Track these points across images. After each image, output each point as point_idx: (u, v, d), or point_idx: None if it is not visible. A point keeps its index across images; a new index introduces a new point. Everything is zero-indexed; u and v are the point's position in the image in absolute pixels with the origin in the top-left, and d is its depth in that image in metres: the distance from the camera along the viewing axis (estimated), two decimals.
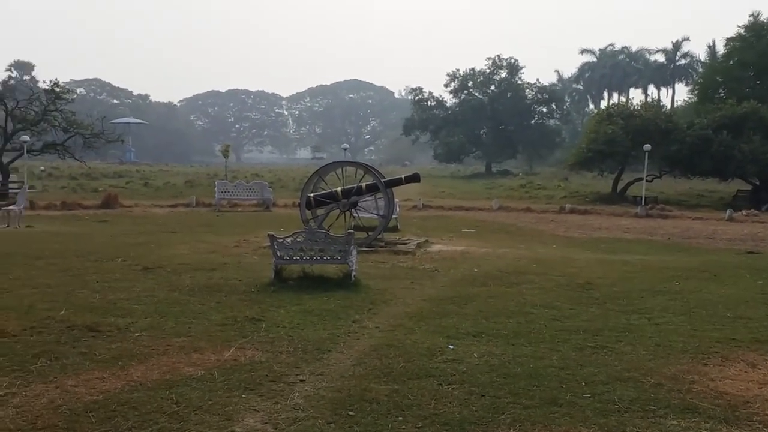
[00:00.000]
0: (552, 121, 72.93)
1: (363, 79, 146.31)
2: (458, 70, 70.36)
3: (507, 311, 8.74)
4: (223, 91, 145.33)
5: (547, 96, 70.08)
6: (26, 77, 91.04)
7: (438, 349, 6.89)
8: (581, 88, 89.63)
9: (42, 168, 45.66)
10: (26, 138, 26.60)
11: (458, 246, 15.84)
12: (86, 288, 9.74)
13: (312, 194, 15.36)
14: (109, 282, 10.23)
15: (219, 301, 9.09)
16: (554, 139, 70.33)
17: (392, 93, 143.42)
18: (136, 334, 7.29)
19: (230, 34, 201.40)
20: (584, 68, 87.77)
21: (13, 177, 28.90)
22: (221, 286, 10.04)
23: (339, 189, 15.29)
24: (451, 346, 7.01)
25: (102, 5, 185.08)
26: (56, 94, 29.86)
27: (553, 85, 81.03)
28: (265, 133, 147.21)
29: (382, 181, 15.28)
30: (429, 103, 70.77)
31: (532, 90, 69.97)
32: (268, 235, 10.65)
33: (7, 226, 18.17)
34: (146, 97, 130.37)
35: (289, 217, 20.44)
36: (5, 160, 28.70)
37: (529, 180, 46.62)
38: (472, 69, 70.41)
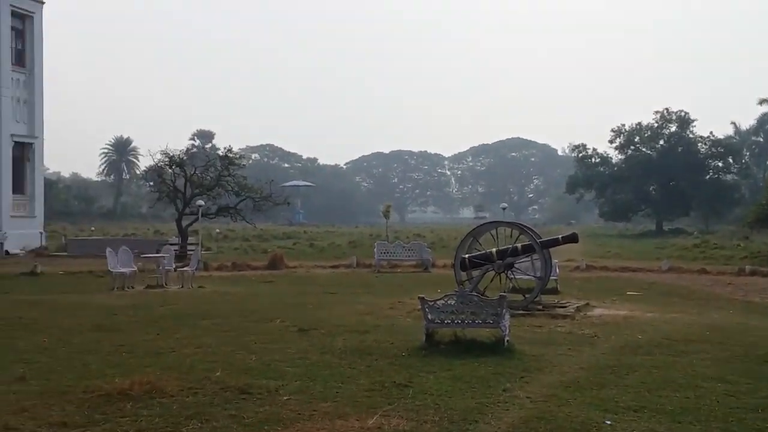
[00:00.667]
0: (729, 176, 68.82)
1: (525, 137, 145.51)
2: (623, 125, 68.39)
3: (674, 384, 8.08)
4: (387, 152, 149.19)
5: (722, 149, 66.39)
6: (207, 145, 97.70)
7: (593, 425, 6.43)
8: (761, 140, 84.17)
9: (218, 230, 48.56)
10: (201, 202, 28.42)
11: (622, 310, 15.02)
12: (244, 349, 10.03)
13: (466, 255, 15.19)
14: (266, 343, 10.50)
15: (369, 364, 9.05)
16: (732, 195, 66.21)
17: (555, 150, 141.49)
18: (285, 398, 7.36)
19: (395, 98, 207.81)
20: (764, 119, 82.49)
21: (191, 239, 30.80)
22: (372, 349, 10.02)
23: (494, 250, 15.02)
24: (609, 422, 6.53)
25: (276, 76, 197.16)
26: (229, 160, 31.79)
27: (729, 137, 76.65)
28: (428, 193, 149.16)
29: (538, 241, 14.86)
30: (593, 159, 69.06)
31: (705, 143, 66.58)
32: (419, 298, 10.57)
33: (181, 287, 19.25)
34: (314, 160, 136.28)
35: (447, 278, 20.30)
36: (184, 223, 30.66)
37: (704, 239, 43.94)
38: (639, 124, 68.19)
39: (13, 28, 32.48)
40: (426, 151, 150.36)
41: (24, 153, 33.46)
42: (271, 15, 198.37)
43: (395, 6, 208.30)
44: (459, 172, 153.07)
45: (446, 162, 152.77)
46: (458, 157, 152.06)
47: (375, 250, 26.80)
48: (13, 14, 32.38)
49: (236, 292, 18.30)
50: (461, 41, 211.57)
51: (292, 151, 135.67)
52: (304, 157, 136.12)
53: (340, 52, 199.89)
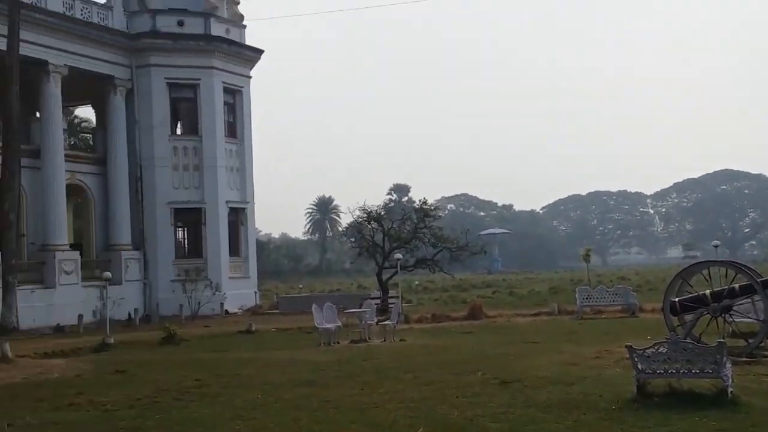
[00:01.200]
0: None
1: (736, 168, 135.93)
2: None
3: None
4: (584, 194, 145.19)
5: None
6: (404, 198, 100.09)
7: None
8: None
9: (417, 282, 49.24)
10: (399, 256, 28.96)
11: None
12: (446, 403, 9.92)
13: (677, 299, 14.19)
14: (467, 396, 10.32)
15: (576, 419, 8.59)
16: None
17: None
18: None
19: (589, 137, 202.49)
20: None
21: (392, 292, 31.39)
22: (579, 402, 9.53)
23: (708, 292, 13.91)
24: None
25: (468, 125, 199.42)
26: (425, 212, 32.26)
27: None
28: (631, 233, 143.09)
29: (758, 280, 13.58)
30: None
31: None
32: (627, 346, 9.95)
33: (384, 340, 19.57)
34: (510, 206, 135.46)
35: (657, 323, 19.09)
36: (384, 276, 31.35)
37: None
38: None
39: (225, 103, 35.31)
40: (625, 190, 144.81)
41: (238, 217, 35.96)
42: (452, 72, 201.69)
43: (569, 49, 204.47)
44: (663, 209, 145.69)
45: (648, 200, 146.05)
46: (661, 194, 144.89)
47: (577, 295, 25.85)
48: (225, 90, 35.23)
49: (436, 344, 18.30)
50: (645, 68, 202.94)
51: (487, 198, 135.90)
52: (500, 204, 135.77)
53: (525, 98, 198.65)
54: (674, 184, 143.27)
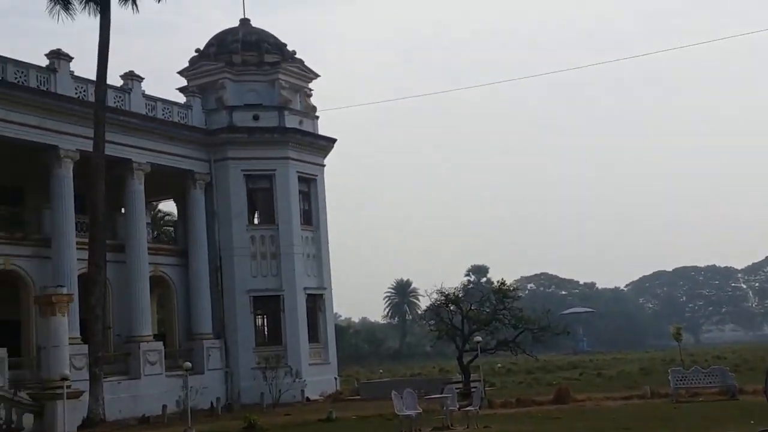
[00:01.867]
0: None
1: None
2: None
3: None
4: (670, 270, 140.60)
5: None
6: (483, 279, 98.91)
7: None
8: None
9: (499, 365, 48.00)
10: (479, 338, 28.28)
11: None
12: None
13: None
14: None
15: None
16: None
17: None
18: None
19: (668, 213, 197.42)
20: None
21: (474, 376, 30.56)
22: None
23: None
24: None
25: (543, 200, 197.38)
26: (503, 293, 31.56)
27: None
28: (723, 310, 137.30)
29: None
30: None
31: None
32: None
33: (467, 427, 18.85)
34: (592, 285, 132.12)
35: (760, 407, 17.89)
36: (466, 359, 30.61)
37: None
38: None
39: (300, 191, 35.93)
40: (714, 265, 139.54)
41: (316, 304, 36.01)
42: (522, 152, 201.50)
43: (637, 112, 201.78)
44: (757, 284, 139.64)
45: (740, 275, 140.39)
46: (753, 269, 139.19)
47: (670, 377, 24.51)
48: (300, 179, 35.89)
49: (522, 430, 17.50)
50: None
51: (568, 277, 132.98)
52: (581, 282, 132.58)
53: (602, 168, 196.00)
54: (767, 257, 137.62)
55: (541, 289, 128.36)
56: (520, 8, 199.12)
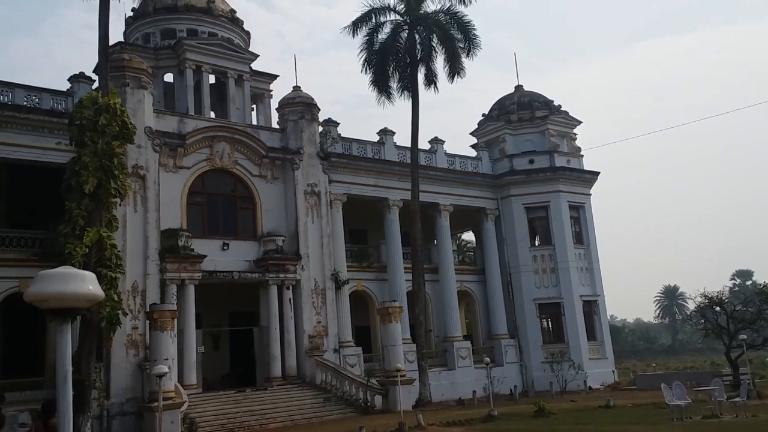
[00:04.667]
0: None
1: None
2: None
3: None
4: None
5: None
6: (747, 282, 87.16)
7: None
8: None
9: None
10: (743, 336, 25.11)
11: None
12: None
13: None
14: None
15: None
16: None
17: None
18: None
19: None
20: None
21: (742, 369, 27.15)
22: None
23: None
24: None
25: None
26: (766, 295, 27.67)
27: None
28: None
29: None
30: None
31: None
32: None
33: (735, 416, 16.91)
34: None
35: None
36: (733, 354, 27.33)
37: None
38: None
39: (571, 217, 35.01)
40: None
41: (591, 308, 34.56)
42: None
43: None
44: None
45: None
46: None
47: None
48: (570, 207, 35.02)
49: None
50: None
51: None
52: None
53: None
54: None
55: None
56: None
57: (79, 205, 18.26)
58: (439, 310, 31.73)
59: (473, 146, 37.01)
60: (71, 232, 18.09)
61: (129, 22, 29.72)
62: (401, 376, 21.81)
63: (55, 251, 19.78)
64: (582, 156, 36.80)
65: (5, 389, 20.08)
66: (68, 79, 23.53)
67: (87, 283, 4.60)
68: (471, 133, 37.67)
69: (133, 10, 29.29)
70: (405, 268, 29.52)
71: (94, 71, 23.81)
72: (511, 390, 29.22)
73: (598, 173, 36.54)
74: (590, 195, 36.37)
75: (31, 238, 22.28)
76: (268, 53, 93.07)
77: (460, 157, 34.63)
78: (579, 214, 35.62)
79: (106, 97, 19.19)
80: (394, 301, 26.87)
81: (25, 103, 22.27)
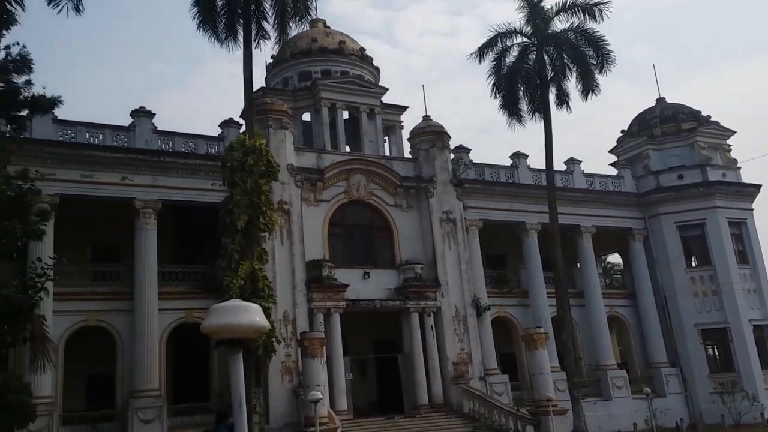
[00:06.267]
0: None
1: None
2: None
3: None
4: None
5: None
6: None
7: None
8: None
9: None
10: None
11: None
12: None
13: None
14: None
15: None
16: None
17: None
18: None
19: None
20: None
21: None
22: None
23: None
24: None
25: None
26: None
27: None
28: None
29: None
30: None
31: None
32: None
33: None
34: None
35: None
36: None
37: None
38: None
39: (732, 234, 32.26)
40: None
41: (764, 333, 31.24)
42: None
43: None
44: None
45: None
46: None
47: None
48: (730, 223, 32.33)
49: None
50: None
51: None
52: None
53: None
54: None
55: None
56: None
57: (234, 241, 19.71)
58: (588, 337, 30.26)
59: (613, 164, 35.48)
60: (228, 266, 19.54)
61: (269, 68, 32.10)
62: (553, 405, 20.84)
63: (214, 284, 21.37)
64: (739, 168, 34.04)
65: (176, 413, 21.77)
66: (219, 125, 25.54)
67: (254, 315, 4.97)
68: (610, 151, 36.21)
69: (272, 57, 31.70)
70: (548, 293, 28.60)
71: (240, 116, 25.91)
72: (676, 423, 26.95)
73: (759, 186, 33.60)
74: (752, 210, 33.39)
75: (194, 272, 24.26)
76: (396, 86, 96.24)
77: (600, 176, 33.33)
78: (741, 231, 32.79)
79: (252, 139, 20.78)
80: (539, 327, 26.01)
81: (183, 149, 24.55)
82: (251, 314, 4.85)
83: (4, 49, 14.98)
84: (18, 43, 14.81)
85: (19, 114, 15.89)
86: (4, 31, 14.50)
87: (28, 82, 14.93)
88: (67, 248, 19.87)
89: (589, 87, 27.80)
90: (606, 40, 27.77)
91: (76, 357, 21.57)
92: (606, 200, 32.20)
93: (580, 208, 31.15)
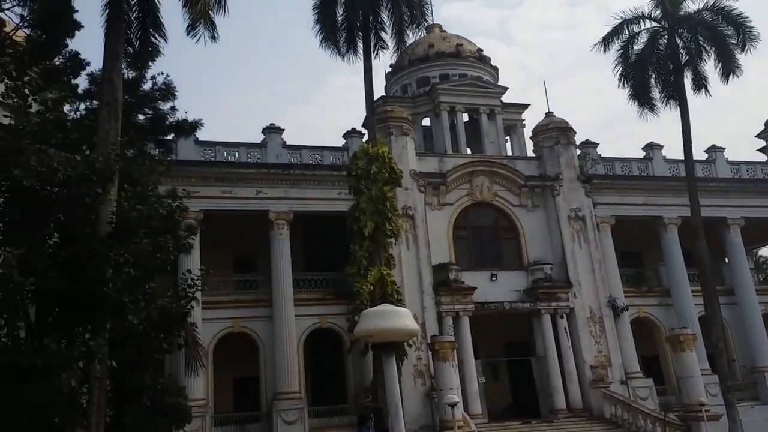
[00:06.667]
0: None
1: None
2: None
3: None
4: None
5: None
6: None
7: None
8: None
9: None
10: None
11: None
12: None
13: None
14: None
15: None
16: None
17: None
18: None
19: None
20: None
21: None
22: None
23: None
24: None
25: None
26: None
27: None
28: None
29: None
30: None
31: None
32: None
33: None
34: None
35: None
36: None
37: None
38: None
39: None
40: None
41: None
42: None
43: None
44: None
45: None
46: None
47: None
48: None
49: None
50: None
51: None
52: None
53: None
54: None
55: None
56: None
57: (362, 247, 20.26)
58: (742, 337, 28.00)
59: (761, 150, 32.50)
60: (357, 272, 20.11)
61: (388, 77, 32.63)
62: (706, 411, 19.44)
63: (344, 290, 22.00)
64: None
65: (316, 415, 22.65)
66: (343, 135, 26.32)
67: (404, 319, 5.06)
68: (757, 136, 33.16)
69: (390, 66, 32.20)
70: (693, 291, 26.69)
71: (362, 125, 26.53)
72: None
73: None
74: None
75: (325, 279, 25.16)
76: (514, 85, 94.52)
77: (747, 163, 30.77)
78: None
79: (375, 147, 21.23)
80: (685, 327, 24.35)
81: (310, 161, 25.53)
82: (403, 318, 4.92)
83: (151, 79, 16.41)
84: (162, 73, 16.20)
85: (166, 138, 17.29)
86: (150, 63, 15.88)
87: (173, 108, 16.27)
88: (211, 260, 21.31)
89: (729, 68, 25.77)
90: (746, 17, 25.65)
91: (224, 361, 23.03)
92: (755, 189, 29.67)
93: (725, 198, 28.94)
